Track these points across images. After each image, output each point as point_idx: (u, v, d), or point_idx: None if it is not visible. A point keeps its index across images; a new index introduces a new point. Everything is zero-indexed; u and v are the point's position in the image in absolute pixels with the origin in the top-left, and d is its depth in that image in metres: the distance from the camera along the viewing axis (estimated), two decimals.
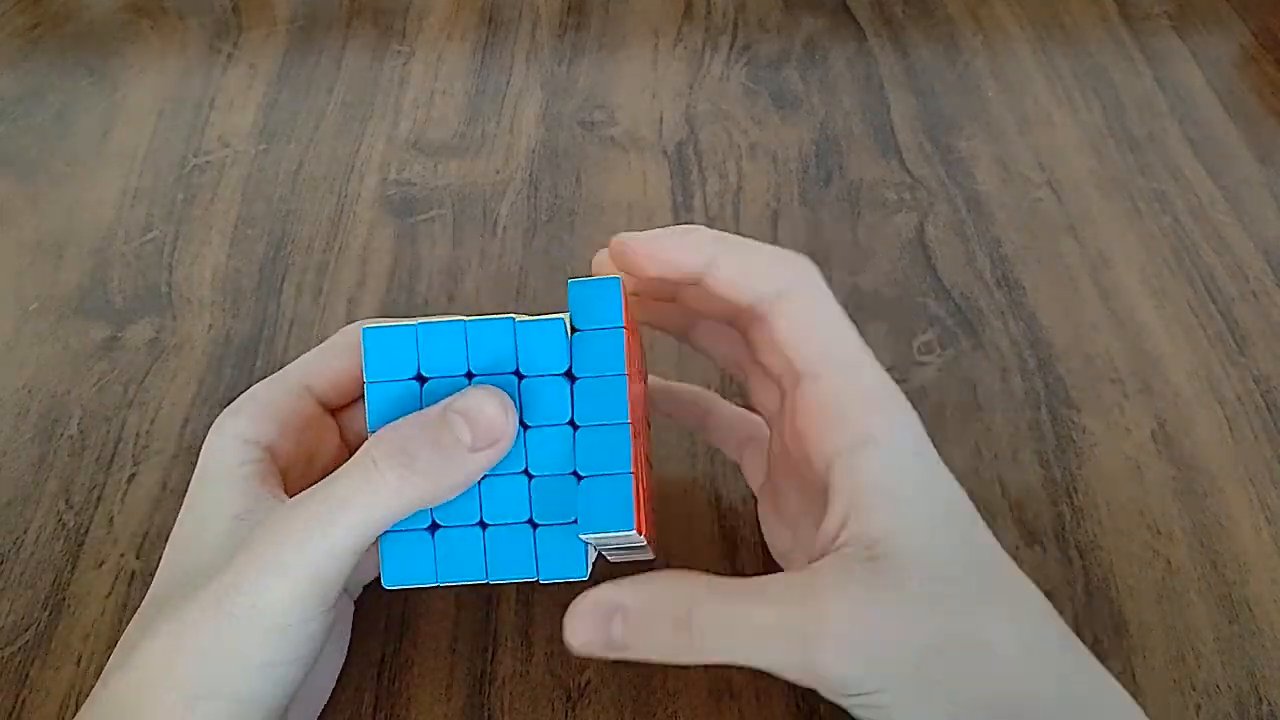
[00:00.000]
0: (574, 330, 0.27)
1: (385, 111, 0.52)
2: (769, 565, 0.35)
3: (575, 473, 0.26)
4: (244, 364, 0.41)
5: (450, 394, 0.26)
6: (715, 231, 0.28)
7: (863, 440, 0.26)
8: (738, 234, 0.28)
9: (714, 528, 0.36)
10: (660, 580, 0.26)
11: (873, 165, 0.49)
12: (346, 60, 0.55)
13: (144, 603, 0.28)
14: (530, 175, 0.49)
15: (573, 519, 0.27)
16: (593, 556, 0.28)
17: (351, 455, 0.31)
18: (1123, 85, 0.54)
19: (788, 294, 0.27)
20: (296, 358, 0.31)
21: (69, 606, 0.34)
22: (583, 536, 0.26)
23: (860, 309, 0.43)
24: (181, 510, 0.29)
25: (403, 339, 0.26)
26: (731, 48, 0.56)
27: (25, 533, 0.36)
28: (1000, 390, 0.40)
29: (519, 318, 0.30)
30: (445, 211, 0.47)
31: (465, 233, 0.46)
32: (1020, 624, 0.26)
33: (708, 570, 0.35)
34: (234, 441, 0.28)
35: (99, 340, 0.42)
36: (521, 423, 0.27)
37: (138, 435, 0.38)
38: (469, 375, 0.26)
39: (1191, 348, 0.42)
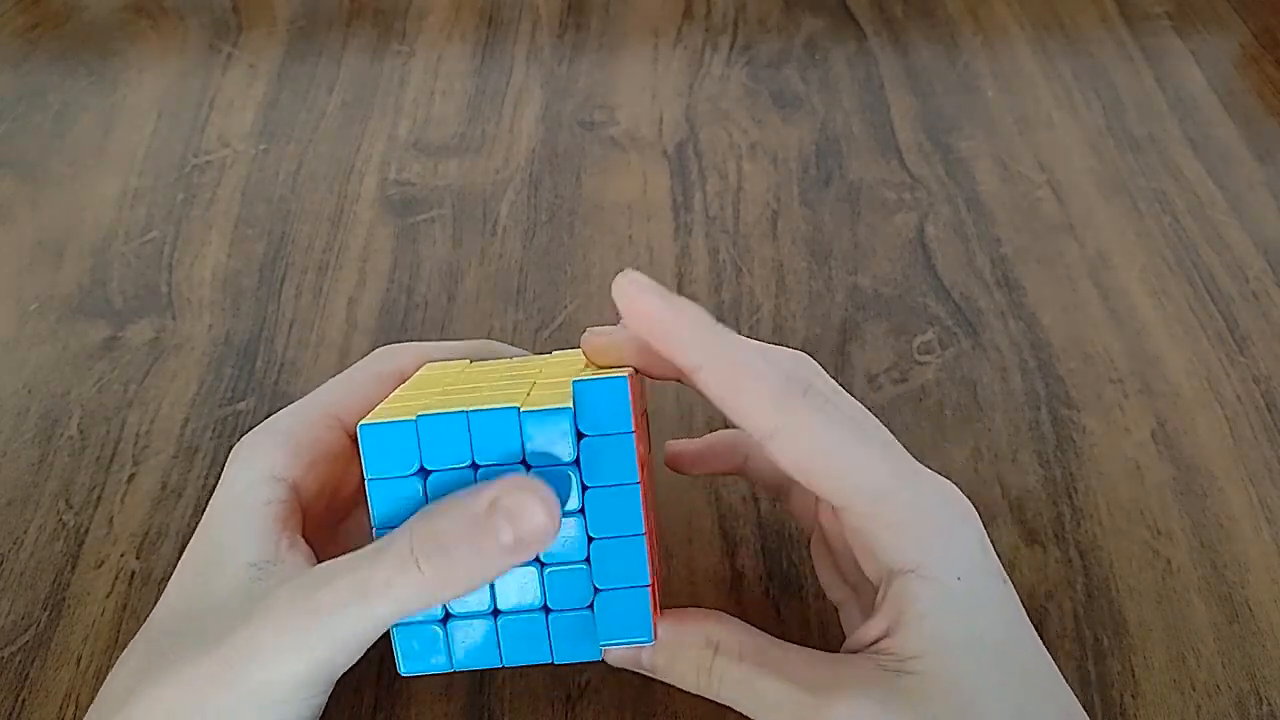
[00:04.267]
0: (581, 436, 0.25)
1: (385, 111, 0.52)
2: (768, 565, 0.35)
3: (594, 585, 0.26)
4: (244, 364, 0.41)
5: (456, 487, 0.25)
6: (709, 326, 0.25)
7: (903, 569, 0.26)
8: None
9: (714, 527, 0.36)
10: (691, 620, 0.27)
11: (873, 165, 0.49)
12: (346, 60, 0.55)
13: (144, 629, 0.27)
14: (530, 175, 0.49)
15: (587, 604, 0.26)
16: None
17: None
18: (1123, 85, 0.54)
19: (782, 430, 0.25)
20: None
21: (69, 606, 0.34)
22: (602, 645, 0.26)
23: (860, 309, 0.43)
24: (197, 536, 0.28)
25: (403, 434, 0.25)
26: (731, 48, 0.56)
27: (25, 533, 0.36)
28: (1000, 390, 0.40)
29: (532, 356, 0.29)
30: (445, 211, 0.47)
31: (465, 233, 0.46)
32: None
33: (707, 573, 0.35)
34: (261, 476, 0.27)
35: (99, 340, 0.42)
36: None
37: (138, 435, 0.38)
38: (474, 466, 0.25)
39: (1191, 348, 0.42)
